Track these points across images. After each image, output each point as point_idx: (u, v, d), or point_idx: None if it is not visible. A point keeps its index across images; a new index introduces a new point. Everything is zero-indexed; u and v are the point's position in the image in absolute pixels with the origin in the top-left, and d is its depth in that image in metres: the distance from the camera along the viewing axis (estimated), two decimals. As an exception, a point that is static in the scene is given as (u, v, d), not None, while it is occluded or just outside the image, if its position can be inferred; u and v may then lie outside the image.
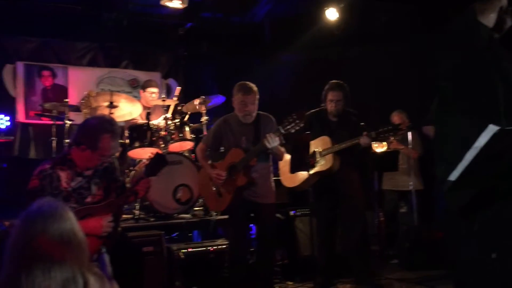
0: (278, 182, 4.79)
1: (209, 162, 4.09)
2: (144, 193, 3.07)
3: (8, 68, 6.47)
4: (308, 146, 3.60)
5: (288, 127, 3.53)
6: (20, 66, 6.51)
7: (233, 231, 3.96)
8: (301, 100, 6.70)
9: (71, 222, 2.07)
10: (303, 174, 4.16)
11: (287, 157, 4.44)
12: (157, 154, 3.17)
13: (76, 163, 2.96)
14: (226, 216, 4.64)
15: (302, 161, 3.56)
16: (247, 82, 3.89)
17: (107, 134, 2.93)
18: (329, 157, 4.20)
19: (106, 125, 2.96)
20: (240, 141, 3.88)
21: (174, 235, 4.86)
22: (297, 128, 3.51)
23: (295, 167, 3.61)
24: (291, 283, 4.64)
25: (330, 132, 4.27)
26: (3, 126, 6.05)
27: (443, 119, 2.41)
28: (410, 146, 5.60)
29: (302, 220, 4.97)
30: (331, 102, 4.32)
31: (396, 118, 5.80)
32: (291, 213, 5.02)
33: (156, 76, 7.16)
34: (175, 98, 5.48)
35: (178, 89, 5.85)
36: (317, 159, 4.17)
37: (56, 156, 3.14)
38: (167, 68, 7.63)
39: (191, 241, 4.99)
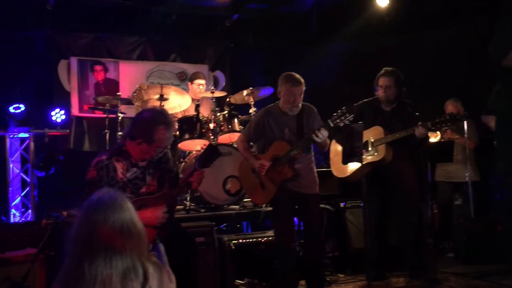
0: (328, 173, 4.75)
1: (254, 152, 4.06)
2: (197, 184, 3.08)
3: (62, 63, 6.67)
4: (361, 136, 3.51)
5: (337, 120, 3.47)
6: (74, 61, 6.71)
7: (280, 223, 3.91)
8: (349, 90, 6.64)
9: (130, 212, 2.11)
10: (354, 165, 4.08)
11: (339, 147, 4.38)
12: (210, 146, 3.18)
13: (131, 154, 3.01)
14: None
15: (354, 151, 3.47)
16: (294, 73, 3.82)
17: (162, 126, 2.96)
18: (382, 147, 4.10)
19: (159, 117, 2.99)
20: (283, 133, 3.84)
21: (222, 226, 4.90)
22: (346, 122, 3.45)
23: (347, 158, 3.53)
24: (342, 275, 4.59)
25: (383, 121, 4.17)
26: (59, 120, 6.26)
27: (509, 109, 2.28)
28: (465, 136, 5.38)
29: (353, 212, 4.89)
30: (381, 88, 4.23)
31: (450, 107, 5.58)
32: (341, 204, 4.95)
33: (203, 68, 7.22)
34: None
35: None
36: (369, 150, 4.08)
37: (112, 148, 3.20)
38: (214, 61, 7.67)
39: (241, 232, 5.02)
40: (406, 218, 4.15)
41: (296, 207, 3.93)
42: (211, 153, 3.12)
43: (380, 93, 4.24)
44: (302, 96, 3.79)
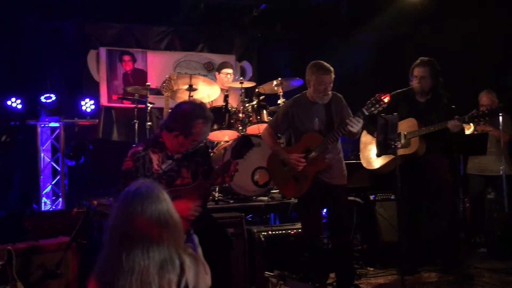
0: (358, 165, 4.68)
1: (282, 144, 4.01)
2: (231, 176, 3.05)
3: (92, 53, 6.72)
4: (396, 128, 3.43)
5: (372, 108, 3.39)
6: (103, 51, 6.75)
7: (308, 215, 3.87)
8: (381, 81, 6.52)
9: (167, 203, 2.11)
10: (387, 157, 4.01)
11: (369, 139, 4.31)
12: (243, 137, 3.16)
13: (167, 146, 3.00)
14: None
15: (388, 143, 3.40)
16: (323, 62, 3.76)
17: (200, 120, 2.93)
18: (415, 140, 4.01)
19: (199, 110, 2.96)
20: (312, 123, 3.78)
21: (248, 217, 4.88)
22: (381, 109, 3.37)
23: (381, 150, 3.46)
24: (371, 269, 4.53)
25: (418, 113, 4.07)
26: (88, 110, 6.31)
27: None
28: (500, 128, 5.22)
29: (383, 204, 4.82)
30: (416, 78, 4.13)
31: (484, 98, 5.42)
32: (371, 197, 4.89)
33: (230, 58, 7.17)
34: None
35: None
36: (402, 142, 3.99)
37: (148, 138, 3.20)
38: (242, 51, 7.63)
39: (267, 223, 5.00)
40: (439, 212, 4.06)
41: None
42: (245, 144, 3.09)
43: (414, 83, 4.14)
44: (331, 84, 3.73)
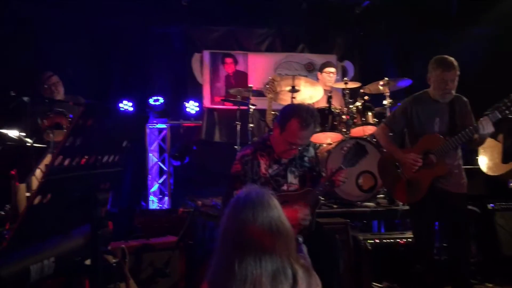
0: (474, 171, 4.30)
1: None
2: (341, 183, 2.91)
3: (196, 57, 6.92)
4: (525, 132, 3.09)
5: (507, 111, 3.06)
6: (207, 54, 6.92)
7: (422, 223, 3.61)
8: (497, 79, 5.96)
9: (278, 210, 2.03)
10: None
11: (491, 142, 3.93)
12: (357, 144, 2.98)
13: (274, 150, 2.94)
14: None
15: (517, 149, 3.06)
16: (447, 56, 3.48)
17: (297, 119, 2.83)
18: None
19: (301, 111, 2.85)
20: (433, 123, 3.51)
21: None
22: None
23: (508, 156, 3.12)
24: (490, 285, 4.15)
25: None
26: (193, 112, 6.50)
27: None
28: None
29: (504, 215, 4.40)
30: None
31: None
32: (489, 206, 4.47)
33: (332, 58, 7.00)
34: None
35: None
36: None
37: (257, 141, 3.16)
38: (343, 50, 7.43)
39: (370, 231, 4.78)
40: None
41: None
42: (358, 152, 2.93)
43: None
44: (455, 82, 3.45)
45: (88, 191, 1.56)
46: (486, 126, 3.16)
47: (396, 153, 3.65)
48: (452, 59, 3.44)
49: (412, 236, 3.99)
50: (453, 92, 3.46)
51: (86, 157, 1.54)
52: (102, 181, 1.74)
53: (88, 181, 1.59)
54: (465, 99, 3.56)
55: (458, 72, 3.43)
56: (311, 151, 3.13)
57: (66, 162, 1.44)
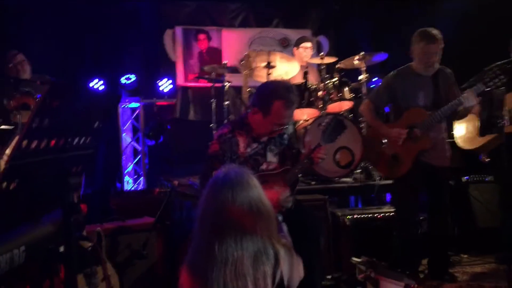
0: (450, 144, 4.33)
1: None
2: (320, 160, 2.87)
3: (168, 33, 6.73)
4: (501, 104, 3.10)
5: (490, 83, 3.06)
6: (179, 30, 6.74)
7: (406, 196, 3.64)
8: (471, 53, 5.99)
9: (258, 190, 1.99)
10: (487, 135, 3.65)
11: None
12: (335, 119, 2.93)
13: (252, 128, 2.88)
14: (389, 181, 4.35)
15: (493, 121, 3.07)
16: (430, 29, 3.46)
17: (281, 100, 2.76)
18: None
19: (281, 91, 2.78)
20: (417, 97, 3.51)
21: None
22: (499, 84, 3.03)
23: (485, 129, 3.14)
24: (465, 256, 4.22)
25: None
26: (166, 90, 6.36)
27: None
28: None
29: (478, 187, 4.46)
30: None
31: None
32: (464, 179, 4.53)
33: (306, 33, 6.89)
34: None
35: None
36: (507, 119, 3.61)
37: (234, 120, 3.09)
38: (318, 25, 7.33)
39: (347, 206, 4.80)
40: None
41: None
42: (337, 127, 2.89)
43: None
44: (439, 55, 3.44)
45: (59, 175, 1.48)
46: (470, 98, 3.17)
47: (381, 128, 3.66)
48: (436, 31, 3.43)
49: (388, 210, 4.03)
50: (437, 65, 3.45)
51: (55, 139, 1.45)
52: (74, 164, 1.65)
53: (58, 164, 1.50)
54: (448, 70, 3.57)
55: (442, 45, 3.41)
56: (290, 128, 3.09)
57: (33, 145, 1.34)
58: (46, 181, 1.46)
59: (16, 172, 1.35)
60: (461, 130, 4.06)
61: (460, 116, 3.44)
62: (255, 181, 2.00)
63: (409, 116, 3.49)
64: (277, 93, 2.78)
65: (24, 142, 1.31)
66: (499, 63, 3.84)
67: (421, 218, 3.92)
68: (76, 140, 1.59)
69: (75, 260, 1.58)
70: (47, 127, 1.37)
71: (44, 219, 1.60)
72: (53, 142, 1.45)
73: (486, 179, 4.51)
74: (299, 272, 2.08)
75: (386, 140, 3.64)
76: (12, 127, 3.61)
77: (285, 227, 2.44)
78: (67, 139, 1.53)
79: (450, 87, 3.48)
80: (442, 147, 3.55)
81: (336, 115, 4.59)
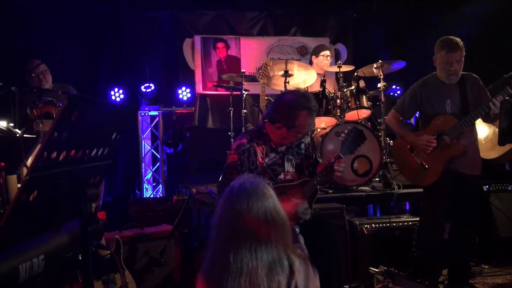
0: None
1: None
2: (339, 173, 2.84)
3: (187, 42, 6.80)
4: (523, 113, 3.05)
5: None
6: (198, 39, 6.80)
7: (434, 205, 3.59)
8: (493, 59, 5.92)
9: (273, 199, 1.99)
10: (508, 145, 3.60)
11: (487, 124, 3.91)
12: (355, 130, 2.91)
13: (271, 138, 2.88)
14: (408, 190, 4.31)
15: (513, 130, 3.03)
16: (452, 37, 3.45)
17: (304, 111, 2.74)
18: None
19: (303, 101, 2.76)
20: (444, 105, 3.49)
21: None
22: None
23: (504, 138, 3.09)
24: (486, 266, 4.16)
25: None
26: (185, 98, 6.40)
27: None
28: None
29: (499, 196, 4.39)
30: None
31: None
32: (485, 188, 4.46)
33: (324, 41, 6.92)
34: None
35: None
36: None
37: (252, 130, 3.07)
38: (336, 33, 7.33)
39: (366, 215, 4.76)
40: None
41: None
42: (357, 138, 2.87)
43: None
44: (461, 62, 3.43)
45: (77, 186, 1.50)
46: (498, 103, 3.16)
47: (409, 137, 3.64)
48: (457, 39, 3.41)
49: (407, 219, 3.99)
50: (459, 73, 3.44)
51: (73, 151, 1.48)
52: (92, 175, 1.68)
53: (76, 176, 1.53)
54: (475, 76, 3.54)
55: (463, 53, 3.40)
56: (308, 138, 3.08)
57: (52, 157, 1.38)
58: (65, 191, 1.49)
59: (36, 183, 1.38)
60: (480, 139, 4.01)
61: (492, 119, 3.40)
62: (270, 191, 2.01)
63: (437, 123, 3.47)
64: (300, 104, 2.76)
65: (44, 154, 1.35)
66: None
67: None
68: (94, 151, 1.62)
69: (91, 269, 1.60)
70: (65, 139, 1.40)
71: (63, 228, 1.63)
72: (71, 153, 1.48)
73: (509, 188, 4.45)
74: (315, 283, 2.07)
75: (414, 148, 3.60)
76: (35, 136, 3.70)
77: (301, 239, 2.44)
78: (85, 151, 1.56)
79: (479, 91, 3.46)
80: (473, 155, 3.50)
81: (355, 125, 4.57)
